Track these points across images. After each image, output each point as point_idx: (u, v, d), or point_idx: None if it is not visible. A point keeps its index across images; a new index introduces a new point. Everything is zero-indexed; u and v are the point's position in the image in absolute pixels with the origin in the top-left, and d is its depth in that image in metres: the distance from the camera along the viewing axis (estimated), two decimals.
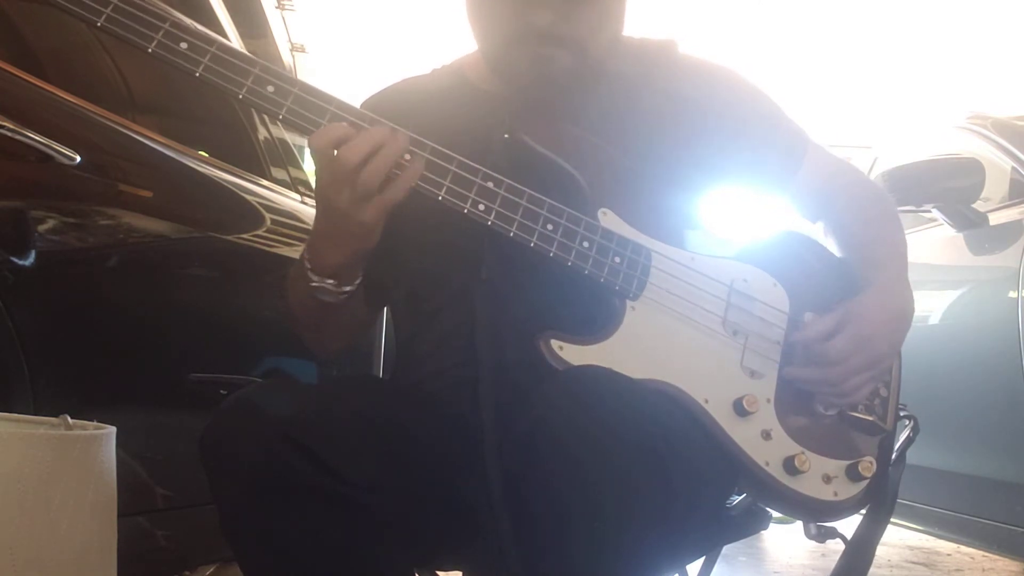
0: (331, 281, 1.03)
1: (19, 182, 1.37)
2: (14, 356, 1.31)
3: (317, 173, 0.97)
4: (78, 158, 1.42)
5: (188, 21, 1.97)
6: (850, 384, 1.05)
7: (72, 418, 1.13)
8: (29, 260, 1.35)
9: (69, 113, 1.52)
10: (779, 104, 1.19)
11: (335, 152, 0.93)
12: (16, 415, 1.14)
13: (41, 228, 1.40)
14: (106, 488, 1.12)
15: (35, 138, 1.35)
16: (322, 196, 0.97)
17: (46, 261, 1.38)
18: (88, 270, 1.50)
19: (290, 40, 7.32)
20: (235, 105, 2.20)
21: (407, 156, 0.95)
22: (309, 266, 1.03)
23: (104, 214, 1.54)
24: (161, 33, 0.92)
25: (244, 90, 0.93)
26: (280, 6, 6.74)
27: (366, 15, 6.68)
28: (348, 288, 1.04)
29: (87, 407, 1.22)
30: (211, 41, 0.93)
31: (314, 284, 1.03)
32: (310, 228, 1.05)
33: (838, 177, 1.21)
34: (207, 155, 1.94)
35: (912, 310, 1.13)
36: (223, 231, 1.87)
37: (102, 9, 0.90)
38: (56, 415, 1.13)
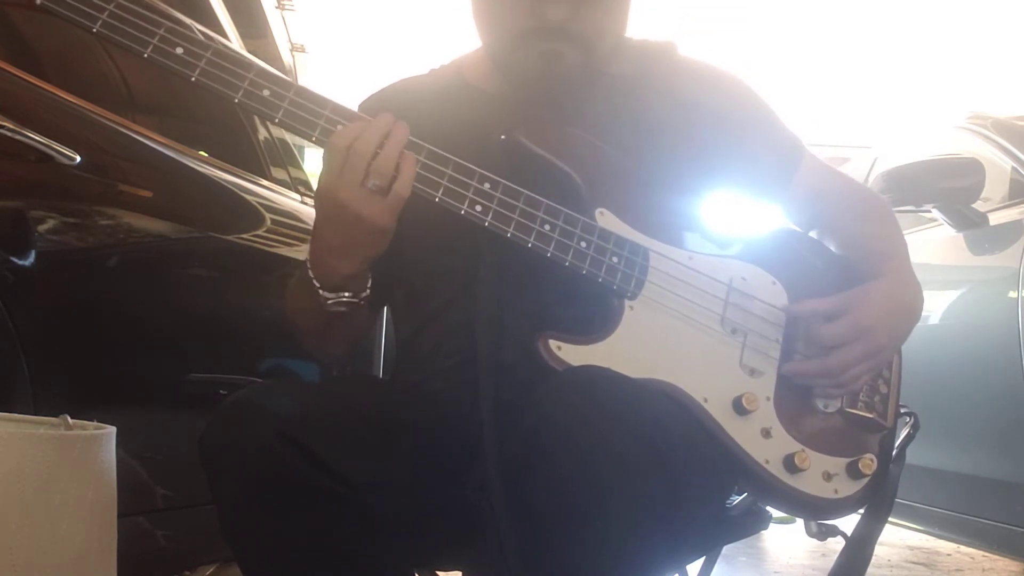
0: (347, 294, 1.02)
1: (19, 182, 1.37)
2: (14, 356, 1.31)
3: (328, 179, 0.94)
4: (78, 158, 1.42)
5: (187, 21, 1.98)
6: (848, 375, 1.05)
7: (72, 418, 1.13)
8: (29, 260, 1.35)
9: (69, 113, 1.52)
10: (776, 112, 1.19)
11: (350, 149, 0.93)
12: (16, 415, 1.14)
13: (41, 228, 1.40)
14: (106, 488, 1.12)
15: (35, 138, 1.35)
16: (334, 202, 0.94)
17: (46, 261, 1.38)
18: (88, 270, 1.50)
19: (290, 40, 7.33)
20: (235, 106, 2.20)
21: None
22: (319, 284, 1.01)
23: (104, 214, 1.54)
24: (157, 38, 0.92)
25: (240, 94, 0.94)
26: (280, 6, 6.75)
27: (366, 15, 6.68)
28: (364, 295, 1.03)
29: (87, 407, 1.22)
30: (207, 46, 0.94)
31: (330, 303, 1.02)
32: (310, 229, 1.04)
33: (833, 185, 1.21)
34: (207, 155, 1.94)
35: (919, 305, 1.13)
36: (223, 231, 1.87)
37: (97, 15, 0.91)
38: (56, 415, 1.13)
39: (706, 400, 0.99)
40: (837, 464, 1.05)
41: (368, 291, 1.04)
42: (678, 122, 1.12)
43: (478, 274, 1.04)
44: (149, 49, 0.92)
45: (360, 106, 1.18)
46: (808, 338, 1.06)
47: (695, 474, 0.89)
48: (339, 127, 0.94)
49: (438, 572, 1.21)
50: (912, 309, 1.12)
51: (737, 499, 1.19)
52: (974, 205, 2.37)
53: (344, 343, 1.19)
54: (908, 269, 1.15)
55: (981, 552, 3.14)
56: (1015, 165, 2.43)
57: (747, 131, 1.15)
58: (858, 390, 1.09)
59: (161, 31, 0.92)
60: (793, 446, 1.02)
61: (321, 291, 1.01)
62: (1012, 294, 2.08)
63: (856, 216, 1.19)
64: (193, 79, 0.93)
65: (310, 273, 1.01)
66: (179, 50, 0.93)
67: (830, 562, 1.13)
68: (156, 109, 2.06)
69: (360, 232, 0.95)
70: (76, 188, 1.46)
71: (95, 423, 1.16)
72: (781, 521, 2.10)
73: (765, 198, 1.19)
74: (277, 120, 0.95)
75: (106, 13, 0.91)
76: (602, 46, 1.07)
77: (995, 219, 2.34)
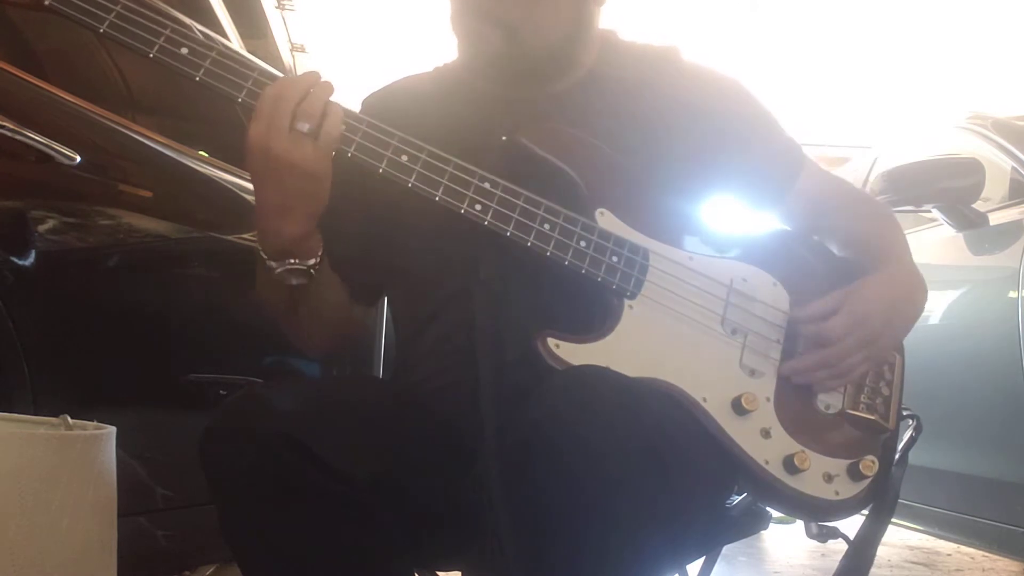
0: (293, 260, 1.00)
1: (19, 182, 1.38)
2: (14, 356, 1.31)
3: (256, 130, 0.93)
4: (78, 158, 1.42)
5: (188, 22, 1.98)
6: (846, 364, 1.05)
7: (72, 418, 1.13)
8: (29, 260, 1.35)
9: (69, 113, 1.52)
10: (777, 118, 1.19)
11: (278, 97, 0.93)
12: (16, 415, 1.14)
13: (41, 228, 1.40)
14: (106, 488, 1.12)
15: (35, 138, 1.35)
16: (265, 153, 0.93)
17: (46, 261, 1.38)
18: (88, 270, 1.50)
19: (290, 40, 7.32)
20: (236, 105, 2.20)
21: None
22: (265, 255, 1.01)
23: (104, 214, 1.54)
24: (163, 39, 0.93)
25: (243, 94, 0.94)
26: (280, 6, 6.74)
27: (366, 15, 6.68)
28: (312, 261, 1.01)
29: (87, 407, 1.22)
30: (211, 46, 0.94)
31: (278, 271, 1.01)
32: None
33: (832, 191, 1.21)
34: (207, 155, 1.94)
35: (919, 296, 1.13)
36: (223, 231, 1.87)
37: (104, 16, 0.91)
38: (56, 415, 1.13)
39: (705, 400, 0.99)
40: (838, 465, 1.05)
41: (317, 259, 1.02)
42: (679, 125, 1.12)
43: (477, 273, 1.04)
44: (155, 49, 0.92)
45: (361, 103, 1.18)
46: (808, 339, 1.06)
47: (694, 474, 0.90)
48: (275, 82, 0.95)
49: (438, 572, 1.21)
50: (911, 300, 1.12)
51: (737, 499, 1.19)
52: (974, 205, 2.37)
53: (321, 328, 1.16)
54: (908, 263, 1.15)
55: (981, 552, 3.14)
56: (1015, 165, 2.43)
57: (748, 137, 1.15)
58: (859, 388, 1.09)
59: (167, 31, 0.93)
60: (793, 447, 1.02)
61: (268, 261, 1.01)
62: (1012, 294, 2.08)
63: (855, 217, 1.19)
64: (197, 79, 0.93)
65: (259, 245, 1.01)
66: (184, 50, 0.93)
67: (830, 562, 1.13)
68: (156, 109, 2.06)
69: (295, 181, 0.94)
70: (76, 188, 1.46)
71: (95, 423, 1.16)
72: (781, 521, 2.10)
73: (765, 204, 1.19)
74: None
75: (113, 14, 0.91)
76: (528, 30, 1.07)
77: (995, 219, 2.34)
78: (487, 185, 0.98)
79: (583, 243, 1.00)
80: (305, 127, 0.93)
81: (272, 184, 0.95)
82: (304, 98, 0.94)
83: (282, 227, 0.98)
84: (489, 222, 0.97)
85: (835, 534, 1.13)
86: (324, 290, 1.08)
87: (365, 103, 1.19)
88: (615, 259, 1.01)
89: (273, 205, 0.96)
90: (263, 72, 0.95)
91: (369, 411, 1.00)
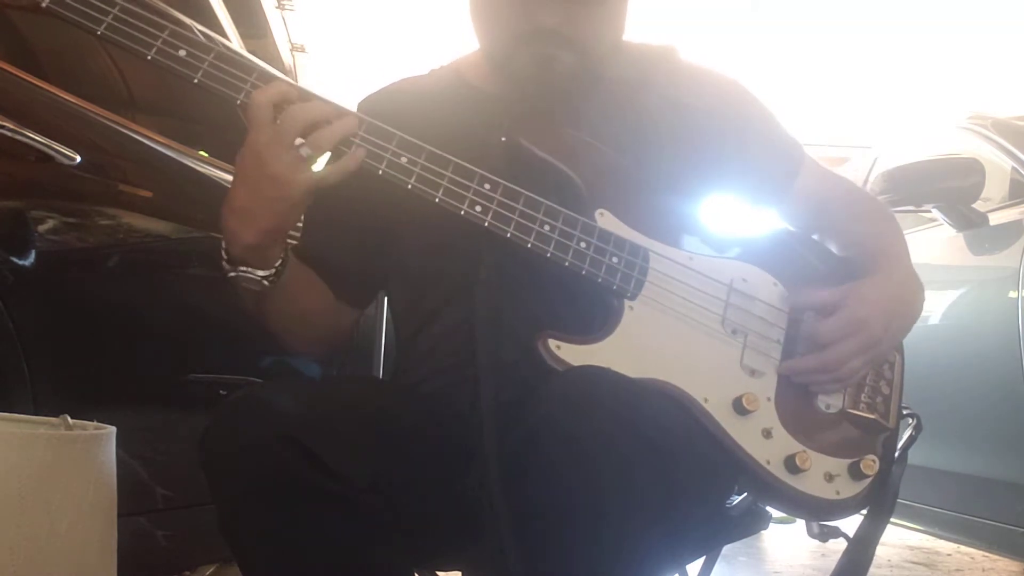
0: (244, 268, 1.00)
1: (19, 182, 1.37)
2: (14, 356, 1.31)
3: (251, 136, 0.94)
4: (78, 158, 1.42)
5: (188, 22, 1.98)
6: (846, 369, 1.05)
7: (72, 418, 1.13)
8: (29, 260, 1.35)
9: (69, 113, 1.52)
10: (777, 116, 1.19)
11: (281, 111, 0.93)
12: (16, 415, 1.14)
13: (41, 228, 1.40)
14: (106, 488, 1.12)
15: (35, 138, 1.35)
16: (254, 159, 0.93)
17: (46, 261, 1.38)
18: (88, 270, 1.50)
19: (290, 40, 7.32)
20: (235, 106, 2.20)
21: (356, 140, 0.95)
22: (225, 256, 1.00)
23: (104, 214, 1.54)
24: (160, 41, 0.93)
25: (243, 95, 0.94)
26: (280, 6, 6.74)
27: (366, 15, 6.69)
28: (262, 273, 1.00)
29: (87, 407, 1.22)
30: (210, 48, 0.94)
31: (229, 274, 1.00)
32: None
33: (832, 189, 1.21)
34: (207, 155, 1.94)
35: (918, 300, 1.13)
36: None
37: (102, 18, 0.91)
38: (56, 415, 1.13)
39: (706, 400, 0.99)
40: (839, 465, 1.05)
41: (270, 271, 1.01)
42: (678, 126, 1.12)
43: (477, 274, 1.04)
44: (153, 52, 0.92)
45: (359, 106, 1.18)
46: (808, 338, 1.06)
47: (694, 474, 0.90)
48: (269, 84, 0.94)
49: (438, 572, 1.21)
50: (910, 303, 1.12)
51: (737, 499, 1.19)
52: (974, 205, 2.37)
53: (303, 338, 1.15)
54: (907, 265, 1.15)
55: (981, 552, 3.15)
56: (1015, 165, 2.43)
57: (747, 136, 1.15)
58: (859, 388, 1.09)
59: (164, 34, 0.93)
60: (794, 447, 1.02)
61: (224, 262, 1.00)
62: (1012, 294, 2.08)
63: (855, 218, 1.19)
64: (196, 81, 0.93)
65: (221, 243, 1.00)
66: (182, 52, 0.93)
67: (830, 562, 1.13)
68: (156, 109, 2.05)
69: (270, 194, 0.94)
70: (76, 188, 1.46)
71: (95, 423, 1.15)
72: (781, 521, 2.10)
73: (765, 203, 1.19)
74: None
75: (110, 16, 0.91)
76: (598, 49, 1.07)
77: (995, 219, 2.34)
78: (487, 186, 0.98)
79: (583, 244, 1.00)
80: (307, 153, 0.93)
81: (246, 186, 0.96)
82: (323, 125, 0.93)
83: (240, 230, 0.97)
84: (490, 223, 0.97)
85: (836, 533, 1.13)
86: (296, 299, 1.07)
87: (361, 106, 1.19)
88: (615, 260, 1.01)
89: (238, 207, 0.96)
90: (262, 74, 0.95)
91: (369, 411, 1.00)
